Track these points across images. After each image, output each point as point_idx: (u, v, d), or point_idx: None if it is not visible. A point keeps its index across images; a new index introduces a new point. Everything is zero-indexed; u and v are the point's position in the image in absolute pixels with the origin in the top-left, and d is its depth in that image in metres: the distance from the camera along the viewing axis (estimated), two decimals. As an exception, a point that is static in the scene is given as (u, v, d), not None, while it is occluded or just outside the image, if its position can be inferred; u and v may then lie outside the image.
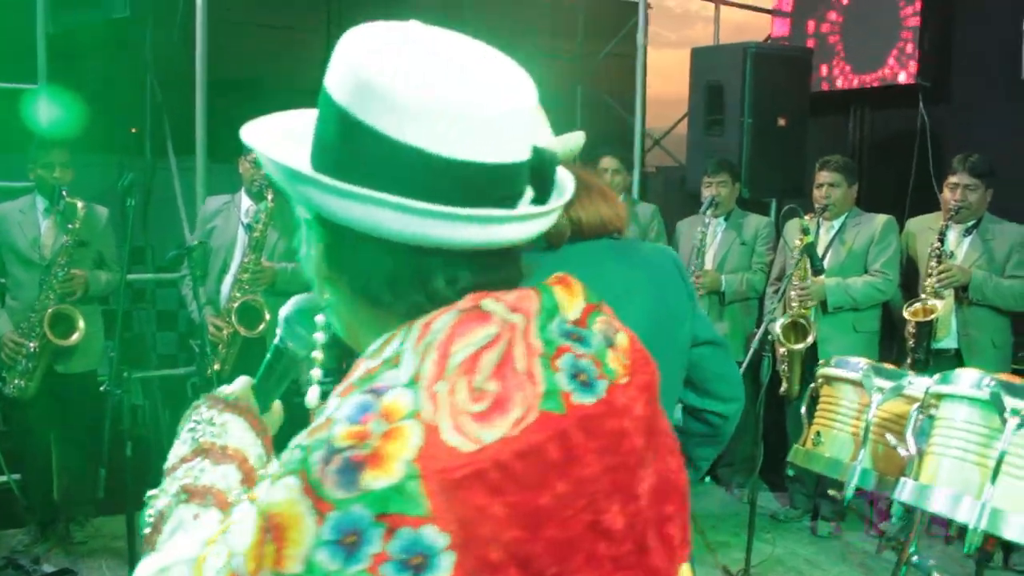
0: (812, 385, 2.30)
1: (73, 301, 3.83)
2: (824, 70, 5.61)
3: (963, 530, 1.75)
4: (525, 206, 0.83)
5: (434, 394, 0.73)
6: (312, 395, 1.01)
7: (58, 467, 4.10)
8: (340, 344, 0.96)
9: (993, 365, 3.85)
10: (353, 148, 0.79)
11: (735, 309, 4.76)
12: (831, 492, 2.11)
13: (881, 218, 4.38)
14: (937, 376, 1.91)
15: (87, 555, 4.00)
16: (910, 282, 4.35)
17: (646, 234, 4.74)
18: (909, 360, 4.03)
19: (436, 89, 0.76)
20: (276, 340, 1.15)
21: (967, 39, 5.25)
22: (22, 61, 4.32)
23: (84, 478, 3.86)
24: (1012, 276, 4.09)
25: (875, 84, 5.41)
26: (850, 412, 2.11)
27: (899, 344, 4.18)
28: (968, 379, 1.80)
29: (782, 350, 4.26)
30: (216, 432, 1.02)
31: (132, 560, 3.27)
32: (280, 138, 0.86)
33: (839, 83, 5.58)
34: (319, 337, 1.04)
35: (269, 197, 3.76)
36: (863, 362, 2.12)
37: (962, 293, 4.11)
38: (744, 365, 3.57)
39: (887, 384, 2.03)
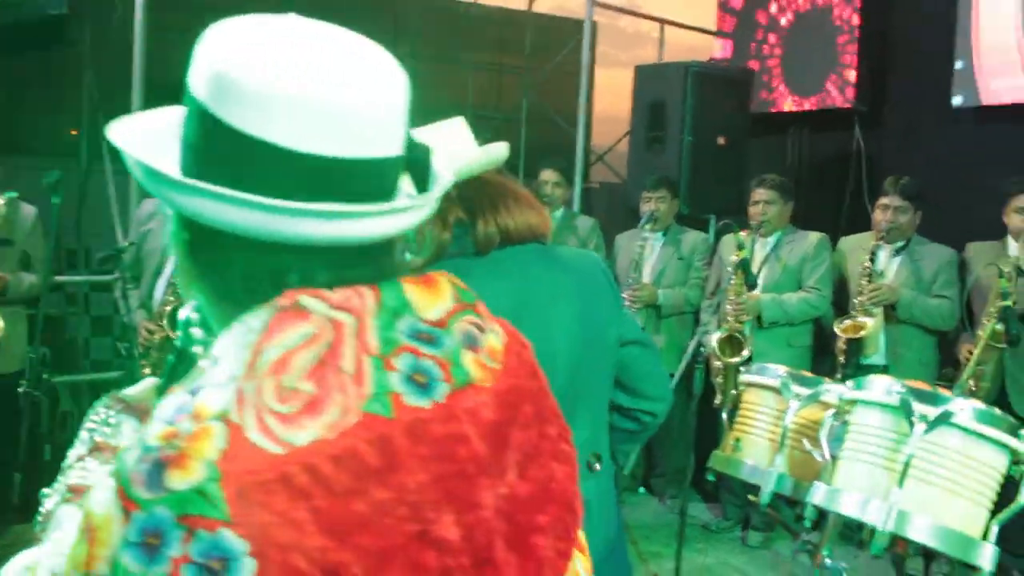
0: (734, 392, 2.34)
1: None
2: (764, 92, 5.73)
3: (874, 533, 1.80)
4: (382, 203, 0.80)
5: (241, 394, 0.70)
6: None
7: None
8: None
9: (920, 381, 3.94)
10: (210, 143, 0.78)
11: (671, 323, 4.81)
12: (751, 497, 2.14)
13: (815, 235, 4.48)
14: (851, 383, 1.95)
15: (3, 560, 3.88)
16: (841, 299, 4.45)
17: (585, 247, 4.78)
18: (840, 375, 4.11)
19: (287, 82, 0.75)
20: (177, 342, 1.14)
21: (902, 67, 5.41)
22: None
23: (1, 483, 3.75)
24: (938, 296, 4.20)
25: (813, 107, 5.54)
26: (768, 418, 2.15)
27: (830, 359, 4.26)
28: (880, 386, 1.85)
29: (718, 363, 4.31)
30: (110, 432, 1.01)
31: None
32: (153, 136, 0.84)
33: (779, 105, 5.71)
34: (197, 333, 1.03)
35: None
36: (782, 369, 2.16)
37: (891, 311, 4.21)
38: (677, 377, 3.62)
39: (805, 391, 2.07)
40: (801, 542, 1.96)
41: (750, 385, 2.25)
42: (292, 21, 0.80)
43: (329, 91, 0.75)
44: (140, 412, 1.04)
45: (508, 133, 1.68)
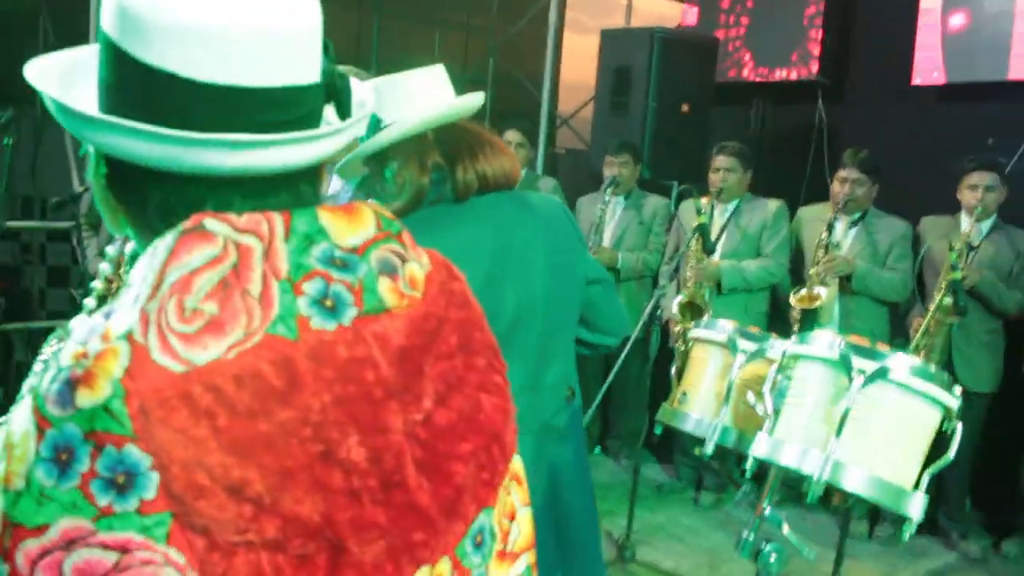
0: (682, 347, 2.38)
1: None
2: (730, 61, 5.76)
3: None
4: (294, 132, 0.80)
5: (145, 315, 0.72)
6: None
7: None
8: None
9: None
10: (120, 77, 0.78)
11: (630, 286, 4.86)
12: (696, 450, 2.19)
13: (774, 203, 4.54)
14: (795, 338, 2.00)
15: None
16: (797, 268, 4.52)
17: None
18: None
19: (187, 12, 0.74)
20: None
21: (866, 42, 5.46)
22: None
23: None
24: (892, 268, 4.28)
25: (777, 79, 5.58)
26: (715, 373, 2.19)
27: (786, 326, 4.34)
28: (822, 340, 1.90)
29: (677, 328, 4.36)
30: None
31: None
32: (70, 72, 0.84)
33: (743, 75, 5.74)
34: (104, 267, 1.03)
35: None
36: (730, 325, 2.21)
37: (845, 282, 4.28)
38: (633, 339, 3.66)
39: (751, 346, 2.12)
40: (742, 493, 2.01)
41: (698, 340, 2.29)
42: None
43: (230, 20, 0.75)
44: None
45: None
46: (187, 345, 0.71)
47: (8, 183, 3.27)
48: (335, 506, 0.75)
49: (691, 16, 6.30)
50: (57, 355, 0.80)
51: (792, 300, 4.25)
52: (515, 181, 1.83)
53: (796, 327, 4.25)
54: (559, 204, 1.95)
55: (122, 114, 0.77)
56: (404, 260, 0.85)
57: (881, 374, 1.78)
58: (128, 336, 0.71)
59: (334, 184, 2.70)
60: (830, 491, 1.89)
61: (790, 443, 1.88)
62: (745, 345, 2.13)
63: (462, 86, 1.89)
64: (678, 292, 4.48)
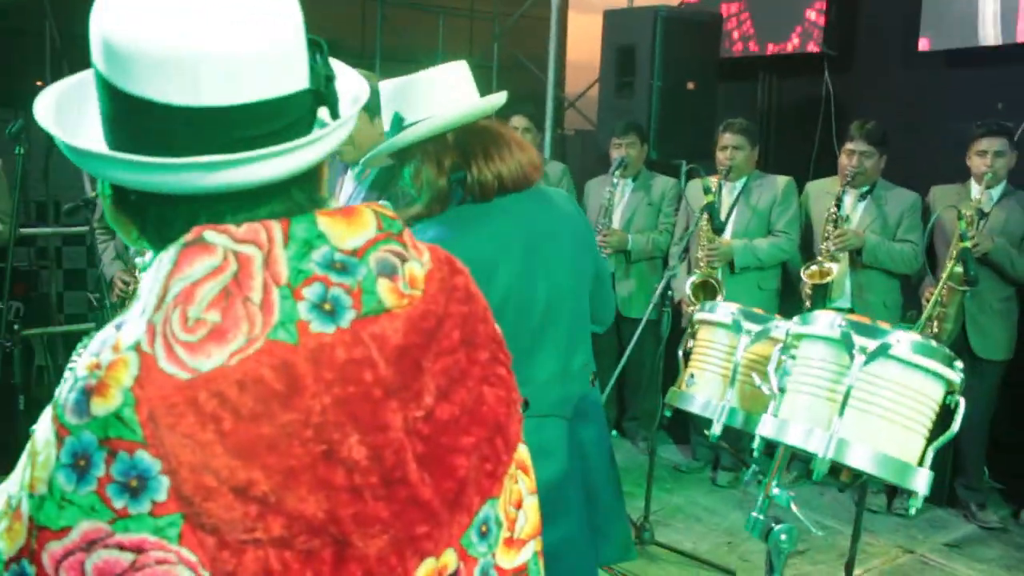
0: (689, 329, 2.40)
1: None
2: (734, 36, 5.72)
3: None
4: (275, 145, 0.81)
5: (151, 325, 0.75)
6: None
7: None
8: None
9: (883, 324, 4.02)
10: (111, 107, 0.81)
11: (641, 267, 4.87)
12: (705, 431, 2.21)
13: (782, 179, 4.52)
14: (797, 318, 2.01)
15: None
16: (806, 243, 4.51)
17: (556, 194, 4.80)
18: (805, 318, 4.18)
19: (156, 39, 0.77)
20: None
21: (871, 11, 5.40)
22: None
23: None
24: (902, 240, 4.26)
25: (782, 52, 5.54)
26: (721, 354, 2.21)
27: (797, 303, 4.33)
28: (823, 320, 1.90)
29: (690, 309, 4.36)
30: None
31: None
32: (68, 102, 0.87)
33: (748, 50, 5.70)
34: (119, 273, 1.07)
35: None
36: (734, 307, 2.22)
37: (856, 256, 4.27)
38: (644, 320, 3.68)
39: (755, 327, 2.13)
40: (752, 473, 2.03)
41: (703, 322, 2.30)
42: None
43: (198, 44, 0.77)
44: None
45: (479, 79, 1.76)
46: (191, 353, 0.74)
47: (22, 189, 3.32)
48: (338, 503, 0.79)
49: (694, -8, 6.25)
50: (76, 366, 0.83)
51: (803, 276, 4.25)
52: (535, 176, 1.89)
53: (808, 303, 4.25)
54: (572, 200, 2.04)
55: (120, 142, 0.81)
56: (404, 260, 0.87)
57: (882, 351, 1.79)
58: (136, 346, 0.74)
59: (347, 187, 2.72)
60: (838, 468, 1.90)
61: (795, 422, 1.89)
62: (749, 326, 2.15)
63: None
64: (689, 272, 4.48)
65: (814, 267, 4.23)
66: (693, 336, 2.35)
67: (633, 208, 4.84)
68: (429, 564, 0.86)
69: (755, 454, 1.98)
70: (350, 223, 0.85)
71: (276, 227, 0.81)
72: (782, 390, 1.95)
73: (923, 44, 4.95)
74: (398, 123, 1.82)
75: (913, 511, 1.81)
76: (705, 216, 3.95)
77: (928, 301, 3.93)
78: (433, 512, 0.86)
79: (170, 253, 0.78)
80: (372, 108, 2.28)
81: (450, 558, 0.89)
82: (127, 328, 0.77)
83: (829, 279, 4.20)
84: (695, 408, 2.23)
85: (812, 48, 5.42)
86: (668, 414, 2.34)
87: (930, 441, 1.84)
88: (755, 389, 2.04)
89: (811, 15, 5.45)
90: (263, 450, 0.75)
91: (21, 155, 3.12)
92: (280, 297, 0.79)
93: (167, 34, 0.77)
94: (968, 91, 4.80)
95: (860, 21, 5.44)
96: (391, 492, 0.82)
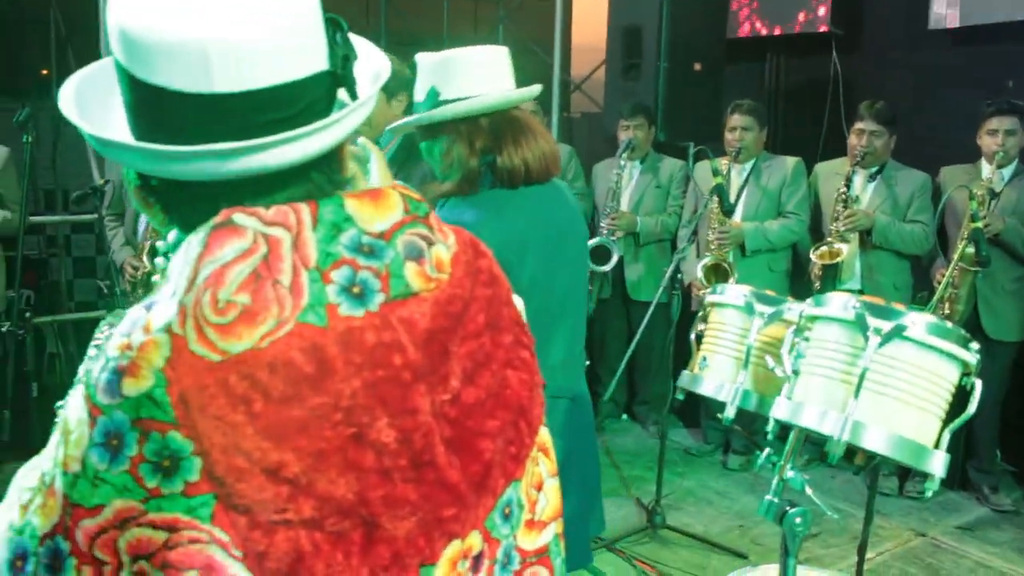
0: (701, 312, 2.39)
1: None
2: (741, 16, 5.67)
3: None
4: (291, 130, 0.81)
5: (182, 307, 0.75)
6: None
7: (-36, 412, 4.02)
8: None
9: (893, 305, 4.00)
10: (132, 96, 0.82)
11: (651, 250, 4.85)
12: (719, 415, 2.20)
13: (791, 160, 4.50)
14: (810, 300, 2.00)
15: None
16: (815, 224, 4.49)
17: (564, 176, 4.78)
18: (814, 300, 4.17)
19: (168, 27, 0.77)
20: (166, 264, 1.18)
21: (878, -11, 5.35)
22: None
23: (-11, 423, 3.80)
24: (912, 221, 4.24)
25: (789, 31, 5.49)
26: (733, 337, 2.20)
27: (807, 284, 4.32)
28: (837, 302, 1.89)
29: (701, 292, 4.35)
30: None
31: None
32: (92, 92, 0.88)
33: (755, 30, 5.66)
34: (160, 262, 1.07)
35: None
36: (746, 289, 2.21)
37: (866, 236, 4.25)
38: (654, 304, 3.67)
39: (768, 309, 2.12)
40: (766, 456, 2.03)
41: (715, 305, 2.29)
42: None
43: (208, 30, 0.77)
44: None
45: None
46: (222, 335, 0.75)
47: (31, 178, 3.32)
48: (368, 485, 0.79)
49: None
50: (108, 341, 0.84)
51: (812, 257, 4.23)
52: (555, 170, 1.96)
53: (817, 284, 4.23)
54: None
55: (141, 131, 0.81)
56: (431, 243, 0.87)
57: (897, 332, 1.78)
58: (168, 328, 0.75)
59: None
60: (853, 450, 1.89)
61: (809, 405, 1.88)
62: (762, 308, 2.13)
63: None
64: (698, 255, 4.46)
65: (823, 248, 4.21)
66: (705, 319, 2.34)
67: (641, 190, 4.83)
68: (455, 546, 0.87)
69: (769, 437, 1.98)
70: (377, 206, 0.85)
71: (305, 209, 0.81)
72: (796, 372, 1.94)
73: (932, 23, 4.90)
74: (433, 97, 1.85)
75: (930, 494, 1.80)
76: (715, 198, 3.93)
77: (939, 282, 3.91)
78: (460, 495, 0.86)
79: (200, 235, 0.79)
80: (390, 89, 2.29)
81: (475, 540, 0.90)
82: (157, 309, 0.77)
83: (839, 260, 4.18)
84: (708, 391, 2.22)
85: (819, 28, 5.36)
86: (680, 397, 2.33)
87: (946, 423, 1.83)
88: (768, 371, 2.04)
89: (819, -6, 5.39)
90: (294, 432, 0.76)
91: (29, 143, 3.12)
92: (309, 280, 0.79)
93: (177, 21, 0.77)
94: (978, 69, 4.75)
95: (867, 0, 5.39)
96: (420, 475, 0.83)
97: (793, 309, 2.06)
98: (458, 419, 0.87)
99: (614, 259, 4.61)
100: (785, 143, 5.29)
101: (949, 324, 1.82)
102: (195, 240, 0.78)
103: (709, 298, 2.32)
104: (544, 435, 1.02)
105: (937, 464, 1.80)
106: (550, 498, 1.02)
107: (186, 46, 0.77)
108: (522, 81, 1.99)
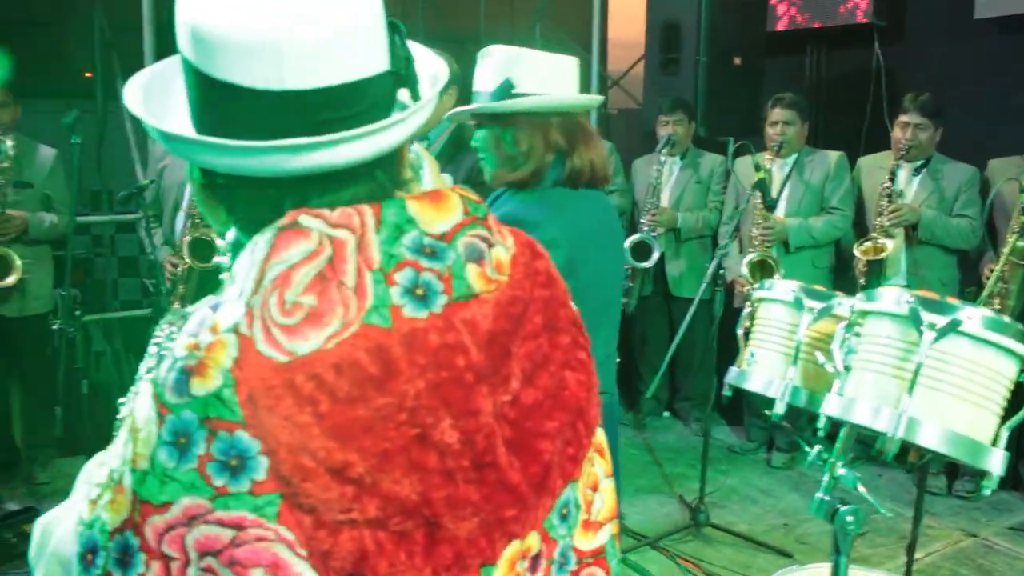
0: (748, 309, 2.36)
1: (8, 242, 3.80)
2: (780, 9, 5.60)
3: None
4: (359, 127, 0.82)
5: (249, 308, 0.76)
6: None
7: (17, 410, 4.11)
8: None
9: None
10: (199, 93, 0.83)
11: (692, 246, 4.82)
12: (766, 412, 2.17)
13: (834, 155, 4.44)
14: (861, 295, 1.96)
15: (50, 495, 4.03)
16: (859, 220, 4.42)
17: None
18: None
19: (240, 25, 0.78)
20: (228, 263, 1.20)
21: (922, -22, 5.25)
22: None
23: (42, 419, 3.87)
24: (959, 215, 4.17)
25: (831, 23, 5.41)
26: (782, 332, 2.17)
27: (851, 281, 4.25)
28: (890, 296, 1.85)
29: (745, 288, 4.30)
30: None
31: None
32: (159, 87, 0.90)
33: (795, 22, 5.58)
34: (225, 260, 1.09)
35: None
36: (795, 284, 2.18)
37: (911, 232, 4.18)
38: (696, 301, 3.63)
39: (817, 304, 2.09)
40: (815, 453, 2.00)
41: (763, 300, 2.26)
42: None
43: (279, 28, 0.78)
44: None
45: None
46: (289, 336, 0.75)
47: (79, 179, 3.38)
48: (431, 486, 0.80)
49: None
50: (170, 338, 0.85)
51: (857, 252, 4.17)
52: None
53: (862, 280, 4.17)
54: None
55: (208, 127, 0.82)
56: (490, 244, 0.88)
57: (952, 327, 1.74)
58: (235, 328, 0.76)
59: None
60: (906, 448, 1.86)
61: (862, 401, 1.85)
62: (811, 303, 2.10)
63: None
64: (740, 251, 4.42)
65: (868, 243, 4.15)
66: (752, 315, 2.31)
67: (682, 186, 4.79)
68: (515, 546, 0.87)
69: (819, 433, 1.95)
70: (438, 208, 0.85)
71: (368, 211, 0.82)
72: (847, 368, 1.90)
73: (977, 11, 4.80)
74: (507, 88, 1.88)
75: (988, 492, 1.76)
76: (757, 193, 3.89)
77: (989, 277, 3.83)
78: (521, 496, 0.86)
79: (266, 236, 0.79)
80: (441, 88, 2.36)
81: (533, 540, 0.90)
82: (224, 310, 0.78)
83: (884, 255, 4.11)
84: (756, 387, 2.19)
85: (860, 19, 5.28)
86: (728, 394, 2.31)
87: (1003, 420, 1.79)
88: (818, 367, 2.00)
89: (861, -15, 5.31)
90: (359, 433, 0.76)
91: (77, 145, 3.17)
92: (373, 281, 0.79)
93: (250, 20, 0.78)
94: (1026, 59, 4.65)
95: (911, -11, 5.30)
96: (482, 476, 0.83)
97: (843, 304, 2.03)
98: (518, 420, 0.87)
99: (655, 255, 4.59)
100: (827, 137, 5.22)
101: (1006, 318, 1.78)
102: (261, 241, 0.79)
103: (757, 294, 2.29)
104: (600, 436, 1.03)
105: (995, 462, 1.76)
106: (606, 499, 1.02)
107: (259, 43, 0.78)
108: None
